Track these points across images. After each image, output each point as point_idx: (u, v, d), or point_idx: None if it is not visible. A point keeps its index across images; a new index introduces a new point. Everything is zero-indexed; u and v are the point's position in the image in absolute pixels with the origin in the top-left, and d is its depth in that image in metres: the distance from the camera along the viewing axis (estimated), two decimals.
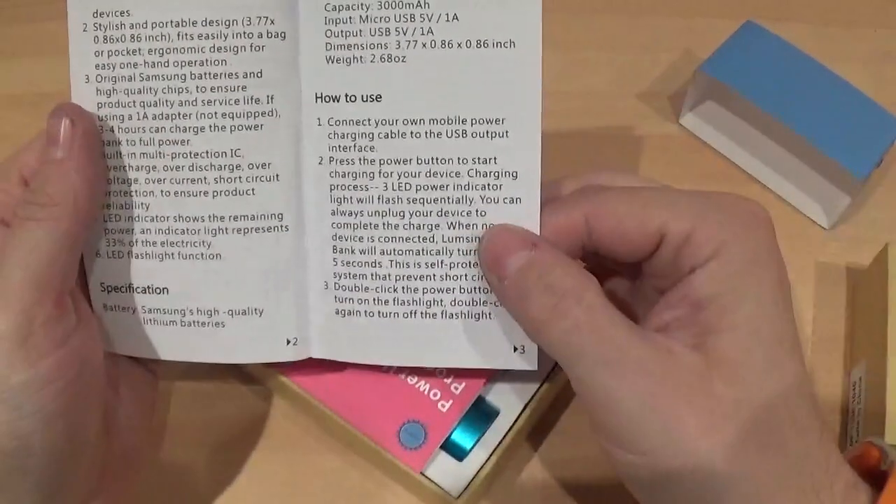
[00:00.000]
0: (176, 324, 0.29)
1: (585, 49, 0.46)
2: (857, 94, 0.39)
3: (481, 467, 0.31)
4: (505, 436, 0.31)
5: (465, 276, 0.28)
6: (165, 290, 0.29)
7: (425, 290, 0.28)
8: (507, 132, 0.27)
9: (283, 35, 0.27)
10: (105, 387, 0.27)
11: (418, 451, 0.31)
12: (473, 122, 0.27)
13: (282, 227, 0.28)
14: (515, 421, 0.31)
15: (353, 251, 0.28)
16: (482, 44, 0.26)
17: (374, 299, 0.29)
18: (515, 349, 0.28)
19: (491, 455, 0.31)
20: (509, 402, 0.32)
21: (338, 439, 0.34)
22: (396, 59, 0.27)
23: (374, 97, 0.27)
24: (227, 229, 0.28)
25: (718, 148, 0.43)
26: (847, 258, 0.40)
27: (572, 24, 0.46)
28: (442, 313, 0.28)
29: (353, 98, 0.27)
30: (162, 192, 0.28)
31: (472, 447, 0.31)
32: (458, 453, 0.31)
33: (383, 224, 0.28)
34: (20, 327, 0.23)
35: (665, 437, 0.22)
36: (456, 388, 0.31)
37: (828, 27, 0.47)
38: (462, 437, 0.31)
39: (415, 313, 0.28)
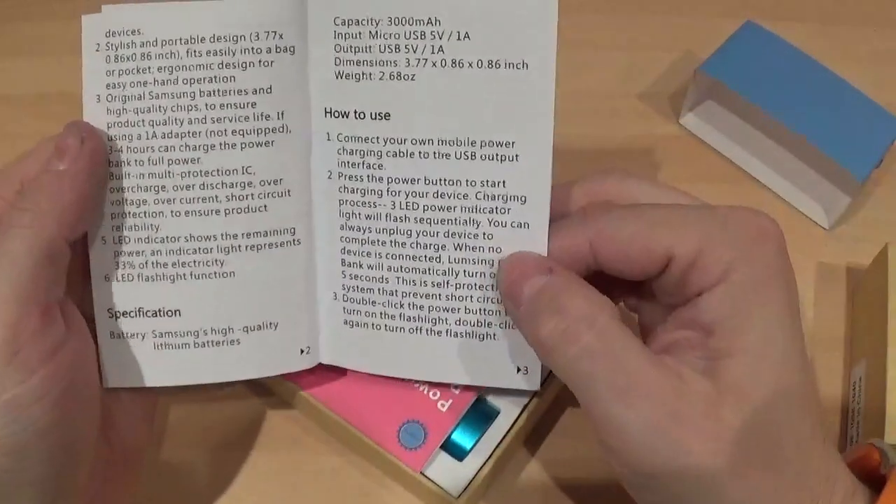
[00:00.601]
0: (189, 346, 0.28)
1: (585, 49, 0.46)
2: (857, 94, 0.39)
3: (481, 467, 0.31)
4: (505, 436, 0.31)
5: (471, 297, 0.28)
6: (178, 313, 0.28)
7: (431, 309, 0.28)
8: (516, 156, 0.26)
9: (292, 49, 0.27)
10: (100, 393, 0.27)
11: (418, 451, 0.31)
12: (483, 144, 0.26)
13: (294, 241, 0.28)
14: (515, 421, 0.31)
15: (360, 265, 0.28)
16: (494, 64, 0.26)
17: (380, 313, 0.29)
18: (519, 370, 0.28)
19: (491, 455, 0.31)
20: (509, 402, 0.32)
21: (338, 439, 0.34)
22: (406, 77, 0.26)
23: (382, 115, 0.27)
24: (240, 247, 0.28)
25: (718, 148, 0.43)
26: (847, 258, 0.40)
27: (572, 24, 0.46)
28: (447, 332, 0.28)
29: (361, 115, 0.27)
30: (172, 212, 0.27)
31: (472, 447, 0.31)
32: (458, 453, 0.31)
33: (391, 241, 0.28)
34: (7, 343, 0.23)
35: (672, 461, 0.22)
36: (456, 389, 0.31)
37: (828, 27, 0.47)
38: (462, 437, 0.31)
39: (420, 329, 0.28)
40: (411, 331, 0.28)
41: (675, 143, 0.43)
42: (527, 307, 0.25)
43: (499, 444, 0.31)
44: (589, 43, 0.46)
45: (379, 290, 0.28)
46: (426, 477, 0.31)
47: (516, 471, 0.34)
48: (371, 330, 0.29)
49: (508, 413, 0.32)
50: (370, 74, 0.27)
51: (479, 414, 0.31)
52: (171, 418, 0.35)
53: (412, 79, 0.26)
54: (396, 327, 0.29)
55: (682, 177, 0.42)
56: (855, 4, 0.48)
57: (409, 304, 0.28)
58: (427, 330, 0.28)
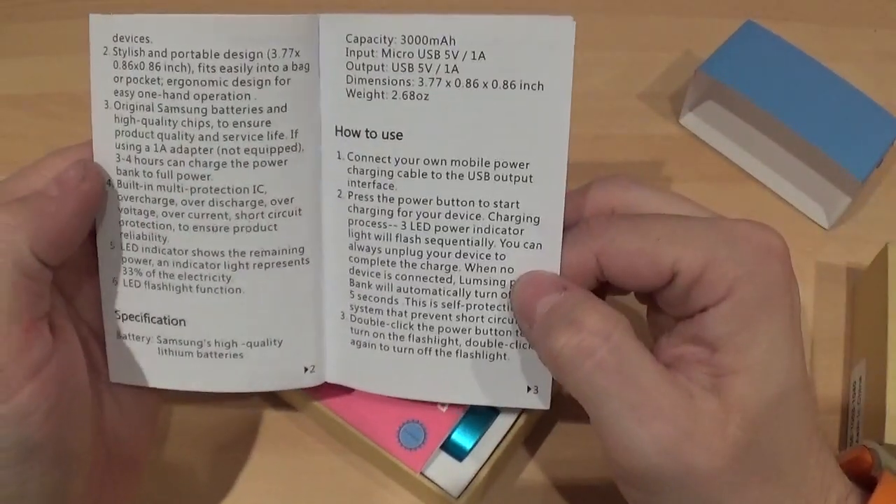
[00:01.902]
0: (192, 355, 0.28)
1: (585, 49, 0.45)
2: (857, 94, 0.39)
3: (481, 467, 0.31)
4: (505, 436, 0.31)
5: (482, 317, 0.28)
6: (182, 322, 0.28)
7: (441, 329, 0.28)
8: (530, 177, 0.26)
9: (306, 67, 0.27)
10: (92, 403, 0.27)
11: (418, 451, 0.31)
12: (497, 164, 0.26)
13: (303, 259, 0.28)
14: (515, 421, 0.31)
15: (369, 285, 0.28)
16: (509, 84, 0.25)
17: (389, 334, 0.28)
18: (529, 389, 0.28)
19: (491, 455, 0.31)
20: None
21: (338, 439, 0.34)
22: (419, 97, 0.26)
23: (394, 134, 0.26)
24: (247, 264, 0.28)
25: (718, 148, 0.43)
26: (847, 258, 0.40)
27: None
28: (457, 352, 0.28)
29: (373, 134, 0.27)
30: (180, 225, 0.27)
31: (472, 447, 0.31)
32: (458, 453, 0.31)
33: (401, 262, 0.28)
34: None
35: (679, 479, 0.23)
36: None
37: (828, 27, 0.47)
38: (462, 438, 0.31)
39: (429, 350, 0.28)
40: (420, 352, 0.28)
41: (675, 143, 0.43)
42: (541, 323, 0.25)
43: (499, 444, 0.31)
44: (589, 43, 0.46)
45: (388, 310, 0.28)
46: (426, 477, 0.31)
47: (516, 471, 0.34)
48: (379, 350, 0.29)
49: (508, 413, 0.32)
50: (382, 93, 0.26)
51: (479, 414, 0.31)
52: (171, 419, 0.35)
53: (425, 98, 0.26)
54: (405, 348, 0.28)
55: (682, 177, 0.42)
56: (855, 4, 0.48)
57: (418, 325, 0.28)
58: (436, 351, 0.28)
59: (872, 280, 0.36)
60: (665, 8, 0.48)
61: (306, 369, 0.29)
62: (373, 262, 0.28)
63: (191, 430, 0.35)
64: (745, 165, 0.42)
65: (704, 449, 0.22)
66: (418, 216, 0.27)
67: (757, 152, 0.42)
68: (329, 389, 0.31)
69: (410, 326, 0.28)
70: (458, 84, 0.26)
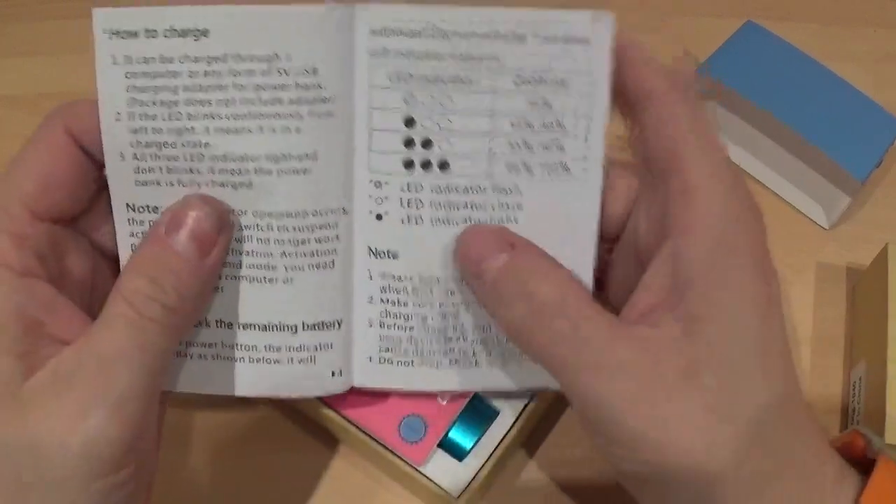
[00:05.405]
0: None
1: None
2: (857, 94, 0.39)
3: (481, 467, 0.31)
4: (505, 436, 0.31)
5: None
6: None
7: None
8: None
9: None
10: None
11: (419, 445, 0.31)
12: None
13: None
14: (515, 421, 0.31)
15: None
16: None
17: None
18: None
19: (491, 455, 0.31)
20: (509, 403, 0.32)
21: (338, 436, 0.34)
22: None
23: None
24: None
25: None
26: (847, 258, 0.40)
27: None
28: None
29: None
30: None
31: (472, 447, 0.31)
32: (458, 453, 0.31)
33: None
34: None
35: (660, 437, 0.22)
36: None
37: (828, 27, 0.47)
38: (462, 437, 0.31)
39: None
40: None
41: None
42: (492, 288, 0.25)
43: (499, 444, 0.31)
44: None
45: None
46: (426, 477, 0.31)
47: (516, 471, 0.34)
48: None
49: (508, 413, 0.32)
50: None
51: (479, 414, 0.31)
52: (170, 420, 0.35)
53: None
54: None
55: None
56: (855, 4, 0.48)
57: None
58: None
59: (872, 280, 0.36)
60: (665, 8, 0.48)
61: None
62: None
63: (191, 430, 0.35)
64: (745, 165, 0.42)
65: (677, 400, 0.22)
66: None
67: (757, 152, 0.42)
68: None
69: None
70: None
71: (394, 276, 0.27)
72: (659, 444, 0.22)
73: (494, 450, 0.31)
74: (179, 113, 0.25)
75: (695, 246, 0.23)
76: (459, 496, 0.30)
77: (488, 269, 0.25)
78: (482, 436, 0.31)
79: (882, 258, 0.36)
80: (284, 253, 0.26)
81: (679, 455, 0.22)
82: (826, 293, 0.39)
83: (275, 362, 0.28)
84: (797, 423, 0.23)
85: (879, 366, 0.33)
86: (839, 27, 0.47)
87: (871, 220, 0.41)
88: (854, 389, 0.35)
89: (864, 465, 0.24)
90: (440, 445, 0.31)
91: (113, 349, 0.22)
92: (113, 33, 0.24)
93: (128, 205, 0.26)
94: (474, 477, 0.31)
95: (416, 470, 0.31)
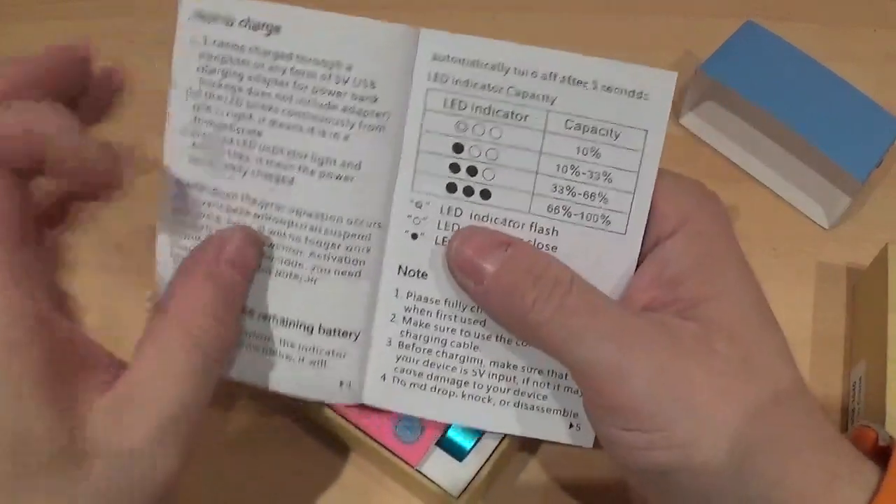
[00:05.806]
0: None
1: (585, 49, 0.45)
2: (857, 95, 0.39)
3: (481, 467, 0.31)
4: (505, 435, 0.31)
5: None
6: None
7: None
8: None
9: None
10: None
11: (415, 446, 0.31)
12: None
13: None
14: None
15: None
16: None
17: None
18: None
19: (491, 455, 0.31)
20: None
21: (335, 436, 0.34)
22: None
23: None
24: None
25: (718, 148, 0.43)
26: (847, 258, 0.40)
27: (573, 25, 0.46)
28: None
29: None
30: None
31: (472, 447, 0.31)
32: (458, 453, 0.31)
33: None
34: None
35: (681, 406, 0.22)
36: None
37: (828, 27, 0.47)
38: (462, 437, 0.31)
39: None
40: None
41: (675, 143, 0.43)
42: (499, 282, 0.25)
43: (499, 443, 0.31)
44: (589, 43, 0.46)
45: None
46: (426, 477, 0.31)
47: (516, 471, 0.34)
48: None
49: None
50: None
51: None
52: None
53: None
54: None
55: None
56: (855, 4, 0.48)
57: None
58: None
59: (872, 280, 0.36)
60: (665, 8, 0.48)
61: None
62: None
63: None
64: (745, 165, 0.42)
65: (697, 366, 0.22)
66: None
67: (757, 152, 0.42)
68: None
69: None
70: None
71: (420, 297, 0.28)
72: (681, 417, 0.22)
73: (494, 450, 0.31)
74: (240, 99, 0.26)
75: (681, 242, 0.25)
76: (459, 496, 0.30)
77: (489, 267, 0.25)
78: (482, 436, 0.31)
79: (882, 258, 0.36)
80: (313, 253, 0.27)
81: (702, 427, 0.22)
82: (826, 293, 0.39)
83: (286, 357, 0.28)
84: (807, 395, 0.24)
85: (879, 366, 0.33)
86: (839, 27, 0.47)
87: (871, 220, 0.41)
88: (854, 389, 0.35)
89: (875, 456, 0.24)
90: (440, 445, 0.31)
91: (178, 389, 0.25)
92: (196, 14, 0.25)
93: (177, 180, 0.27)
94: (474, 477, 0.31)
95: (416, 470, 0.31)
